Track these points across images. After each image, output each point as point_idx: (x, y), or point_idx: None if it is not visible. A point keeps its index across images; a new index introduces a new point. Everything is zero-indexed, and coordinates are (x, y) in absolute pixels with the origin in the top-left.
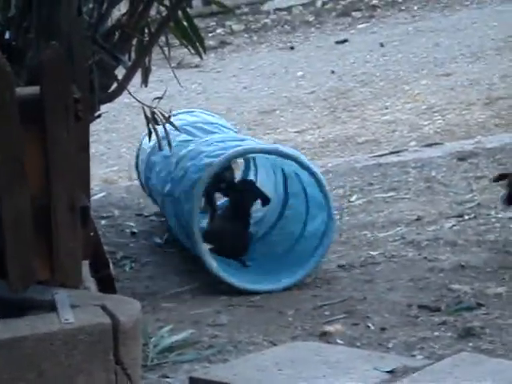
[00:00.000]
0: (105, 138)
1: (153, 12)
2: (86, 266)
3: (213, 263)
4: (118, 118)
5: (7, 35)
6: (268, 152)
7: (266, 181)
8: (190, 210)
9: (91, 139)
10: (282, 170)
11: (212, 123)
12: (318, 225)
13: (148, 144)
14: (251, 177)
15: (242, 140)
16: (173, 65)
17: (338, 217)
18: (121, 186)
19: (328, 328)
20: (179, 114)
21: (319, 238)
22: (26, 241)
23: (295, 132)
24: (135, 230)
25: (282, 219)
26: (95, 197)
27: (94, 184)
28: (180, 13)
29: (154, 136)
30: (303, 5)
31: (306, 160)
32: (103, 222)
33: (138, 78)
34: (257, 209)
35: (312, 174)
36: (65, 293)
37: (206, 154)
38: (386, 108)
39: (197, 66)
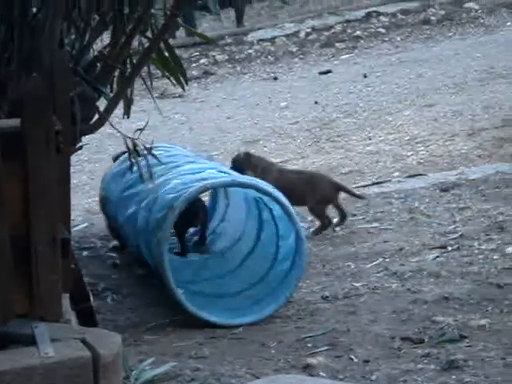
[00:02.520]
0: (87, 167)
1: (135, 43)
2: (66, 298)
3: (182, 298)
4: (100, 149)
5: None
6: (227, 185)
7: (238, 207)
8: (160, 239)
9: (74, 169)
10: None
11: (174, 155)
12: (290, 246)
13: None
14: (222, 205)
15: (201, 171)
16: (156, 95)
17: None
18: (103, 217)
19: (311, 360)
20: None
21: (291, 260)
22: (4, 273)
23: (279, 162)
24: (117, 261)
25: (257, 245)
26: (77, 227)
27: (77, 214)
28: (162, 44)
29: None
30: (287, 36)
31: (265, 186)
32: (85, 252)
33: (120, 108)
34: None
35: (273, 198)
36: (44, 326)
37: (166, 193)
38: (370, 139)
39: (180, 96)
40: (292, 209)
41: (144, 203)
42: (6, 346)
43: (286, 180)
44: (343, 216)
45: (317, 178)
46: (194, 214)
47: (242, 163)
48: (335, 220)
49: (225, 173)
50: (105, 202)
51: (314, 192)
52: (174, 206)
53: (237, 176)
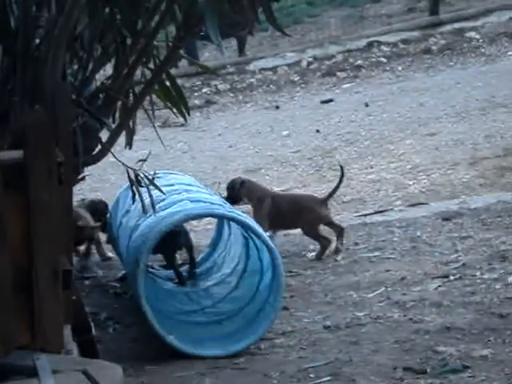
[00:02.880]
0: (90, 197)
1: (137, 74)
2: (67, 329)
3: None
4: (103, 177)
5: None
6: (179, 221)
7: (237, 237)
8: (138, 297)
9: (75, 198)
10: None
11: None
12: (269, 278)
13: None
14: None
15: (181, 202)
16: (158, 124)
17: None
18: (105, 246)
19: None
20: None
21: (268, 291)
22: (6, 305)
23: (281, 191)
24: (119, 291)
25: (245, 274)
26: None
27: None
28: (164, 75)
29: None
30: (288, 65)
31: (219, 210)
32: (87, 282)
33: (123, 136)
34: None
35: (247, 228)
36: (46, 358)
37: (133, 240)
38: (371, 167)
39: (182, 125)
40: (249, 221)
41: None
42: (7, 377)
43: (277, 205)
44: (340, 229)
45: (304, 200)
46: (174, 238)
47: (236, 190)
48: (333, 245)
49: (200, 201)
50: (109, 225)
51: (302, 214)
52: (138, 260)
53: (187, 209)
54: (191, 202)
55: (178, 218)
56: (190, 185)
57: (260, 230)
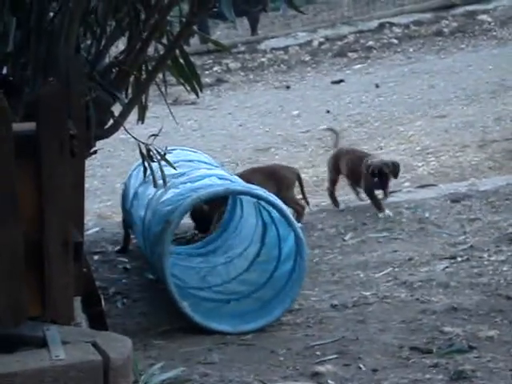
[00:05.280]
0: (100, 172)
1: (150, 50)
2: (77, 301)
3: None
4: (113, 154)
5: (4, 70)
6: (220, 194)
7: (250, 214)
8: (160, 254)
9: (86, 174)
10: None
11: (190, 160)
12: (291, 247)
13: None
14: (238, 212)
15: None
16: (169, 101)
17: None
18: (114, 222)
19: (319, 368)
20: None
21: (293, 261)
22: (17, 276)
23: None
24: (128, 266)
25: (262, 248)
26: (88, 232)
27: (88, 219)
28: (177, 51)
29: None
30: (300, 45)
31: (259, 191)
32: (96, 257)
33: (134, 114)
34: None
35: (268, 202)
36: (56, 329)
37: (163, 205)
38: (381, 148)
39: (193, 103)
40: (287, 211)
41: (144, 212)
42: (17, 348)
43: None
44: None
45: (276, 168)
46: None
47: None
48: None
49: (226, 179)
50: (123, 197)
51: (276, 181)
52: (170, 220)
53: (230, 184)
54: (219, 179)
55: (217, 189)
56: (207, 163)
57: (278, 201)
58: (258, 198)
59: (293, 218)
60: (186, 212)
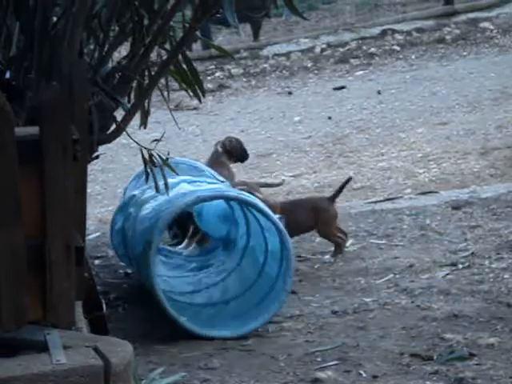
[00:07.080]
0: (101, 177)
1: (153, 55)
2: (78, 306)
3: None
4: (114, 159)
5: (8, 75)
6: (209, 198)
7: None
8: (148, 277)
9: (88, 179)
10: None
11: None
12: (277, 247)
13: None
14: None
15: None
16: (171, 106)
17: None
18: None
19: (320, 374)
20: None
21: (279, 260)
22: (19, 280)
23: (291, 176)
24: (129, 271)
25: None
26: (90, 236)
27: (89, 224)
28: (180, 56)
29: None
30: (302, 51)
31: (247, 196)
32: (97, 261)
33: (136, 119)
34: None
35: (253, 206)
36: (57, 333)
37: (141, 219)
38: (382, 155)
39: (195, 109)
40: (275, 218)
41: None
42: (18, 352)
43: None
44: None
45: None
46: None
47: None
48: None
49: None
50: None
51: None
52: (150, 241)
53: (203, 190)
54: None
55: (189, 199)
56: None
57: (270, 211)
58: (246, 204)
59: (281, 225)
60: (165, 229)
